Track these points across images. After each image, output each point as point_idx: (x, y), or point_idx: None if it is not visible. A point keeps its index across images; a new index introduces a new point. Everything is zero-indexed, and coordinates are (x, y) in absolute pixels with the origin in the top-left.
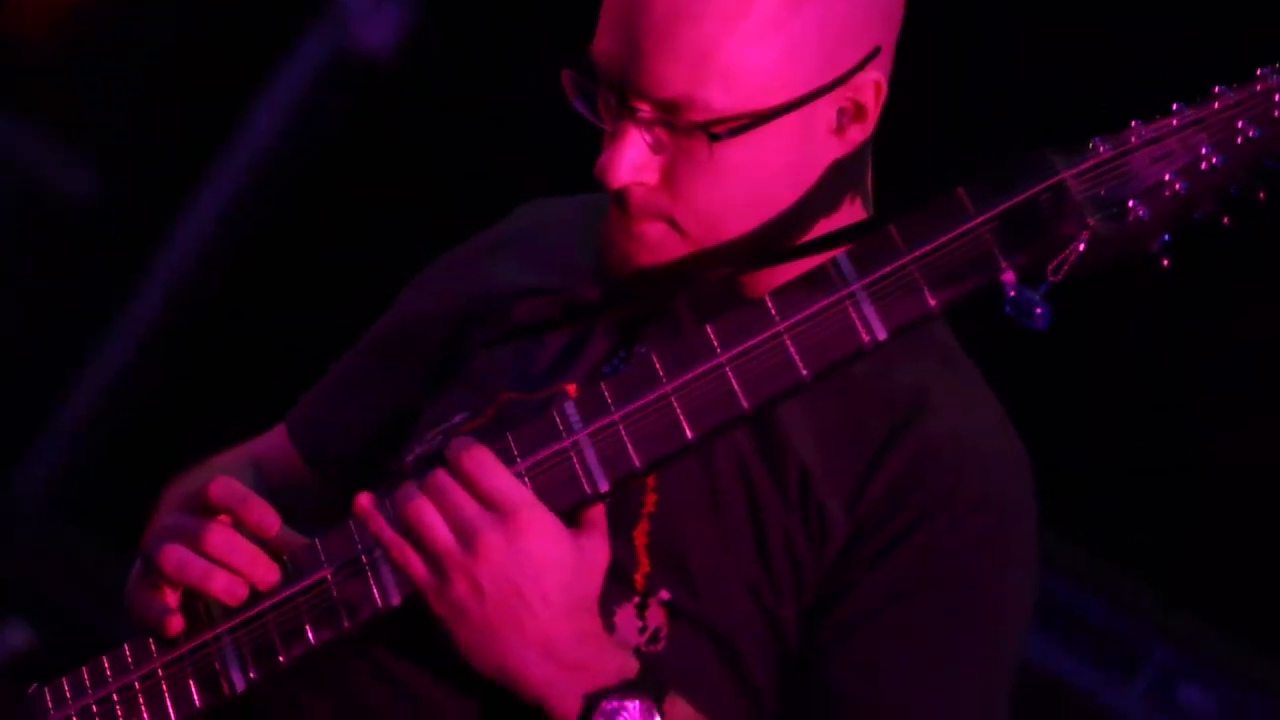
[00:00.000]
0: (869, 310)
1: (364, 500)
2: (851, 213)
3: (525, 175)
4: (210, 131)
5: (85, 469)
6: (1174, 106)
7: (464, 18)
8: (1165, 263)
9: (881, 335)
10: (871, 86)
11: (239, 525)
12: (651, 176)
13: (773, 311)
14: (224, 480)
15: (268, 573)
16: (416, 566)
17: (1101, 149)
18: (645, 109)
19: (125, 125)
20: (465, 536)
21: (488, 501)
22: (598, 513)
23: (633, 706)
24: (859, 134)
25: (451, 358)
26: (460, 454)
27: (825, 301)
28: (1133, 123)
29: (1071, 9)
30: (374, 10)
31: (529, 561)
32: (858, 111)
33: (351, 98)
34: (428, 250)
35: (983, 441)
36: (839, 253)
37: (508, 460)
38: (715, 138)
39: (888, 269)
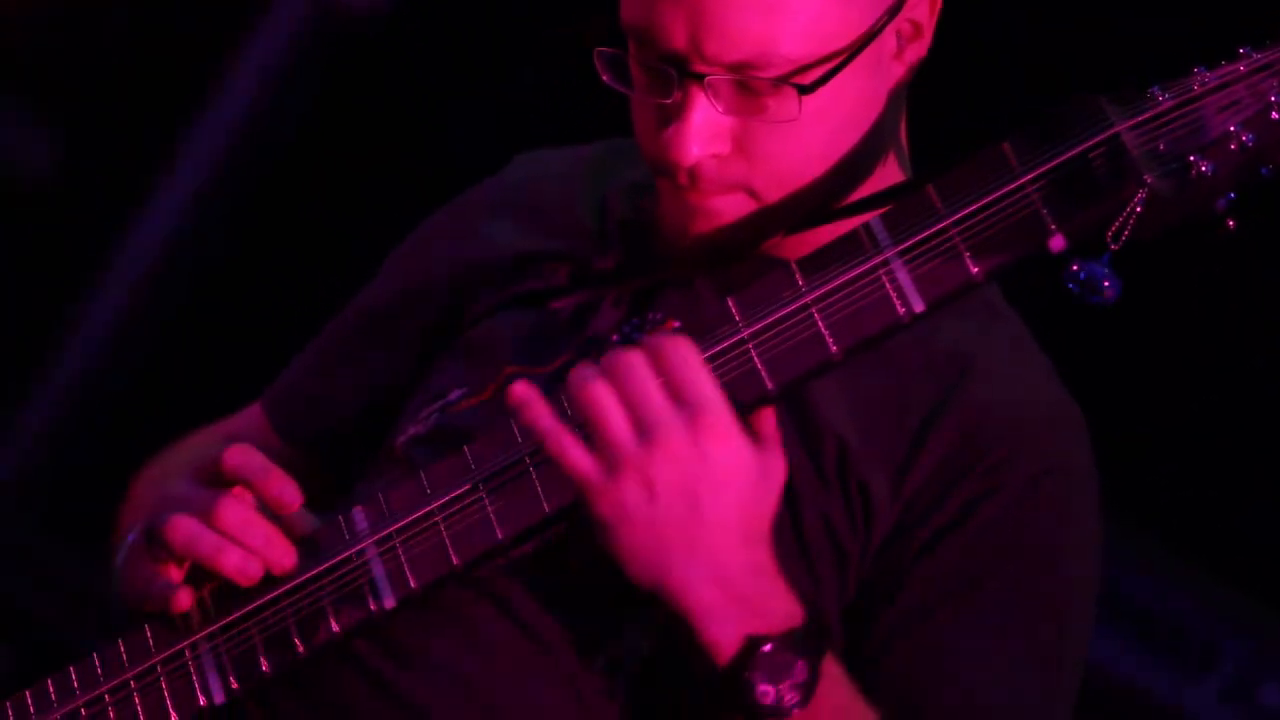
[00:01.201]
0: (904, 279)
1: (520, 388)
2: (890, 171)
3: (526, 144)
4: (183, 100)
5: (52, 471)
6: (1240, 50)
7: None
8: (1231, 224)
9: (919, 307)
10: (926, 2)
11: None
12: (724, 145)
13: (799, 282)
14: (241, 449)
15: (285, 554)
16: (579, 458)
17: (1161, 98)
18: (716, 73)
19: (93, 95)
20: (645, 428)
21: (676, 393)
22: (773, 426)
23: (796, 667)
24: (916, 53)
25: (445, 329)
26: (664, 339)
27: (857, 270)
28: (1195, 68)
29: None
30: None
31: (712, 469)
32: (914, 30)
33: (337, 60)
34: (412, 223)
35: (1035, 406)
36: (873, 217)
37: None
38: (806, 90)
39: (925, 234)
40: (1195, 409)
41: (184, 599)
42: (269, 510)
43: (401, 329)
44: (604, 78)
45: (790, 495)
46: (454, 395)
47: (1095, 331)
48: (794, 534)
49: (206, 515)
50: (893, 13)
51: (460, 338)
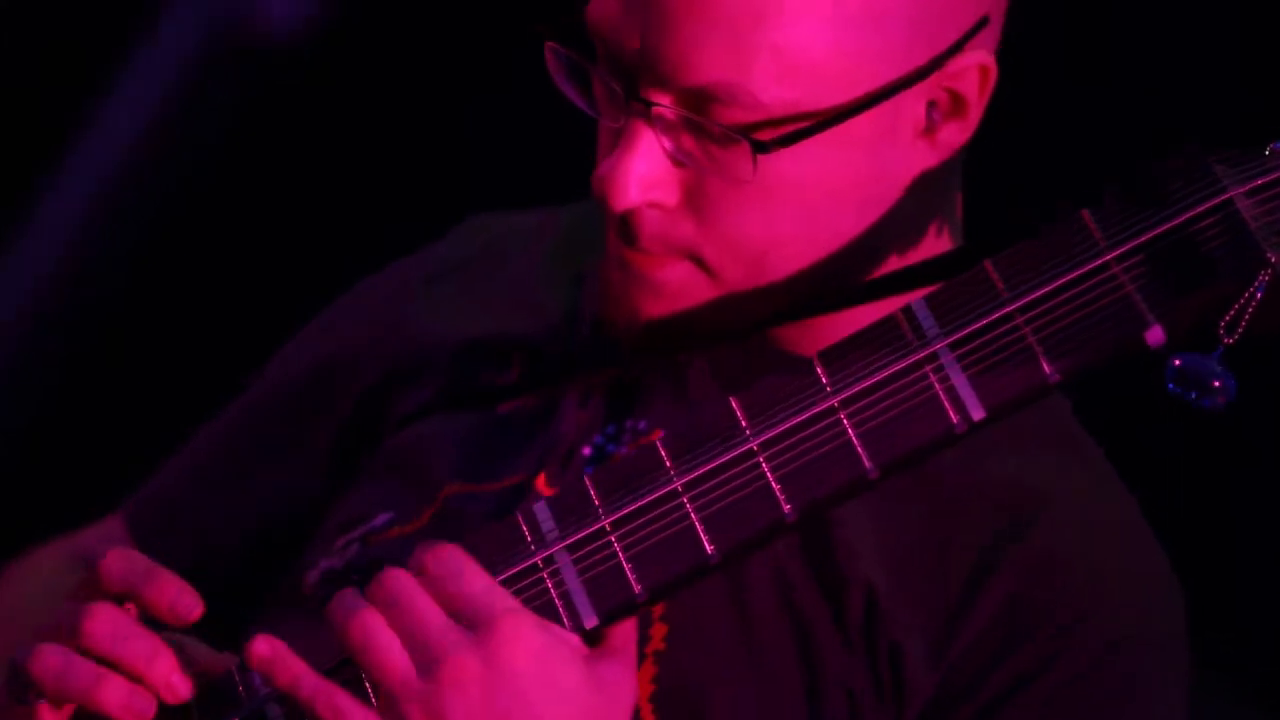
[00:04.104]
0: (959, 380)
1: (260, 646)
2: (936, 246)
3: (473, 184)
4: (48, 135)
5: None
6: None
7: None
8: None
9: (977, 415)
10: (975, 72)
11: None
12: (670, 196)
13: (823, 380)
14: (121, 553)
15: (174, 676)
16: (354, 716)
17: None
18: (665, 102)
19: None
20: (426, 660)
21: (455, 611)
22: (624, 635)
23: None
24: (956, 136)
25: (366, 434)
26: (423, 554)
27: (896, 366)
28: None
29: None
30: None
31: (518, 689)
32: (955, 105)
33: (243, 86)
34: (339, 284)
35: (1115, 559)
36: (914, 299)
37: None
38: (762, 148)
39: (983, 322)
40: None
41: None
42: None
43: (304, 431)
44: (558, 82)
45: (806, 658)
46: (379, 520)
47: (1193, 458)
48: (809, 710)
49: (73, 636)
50: (919, 75)
51: (383, 446)
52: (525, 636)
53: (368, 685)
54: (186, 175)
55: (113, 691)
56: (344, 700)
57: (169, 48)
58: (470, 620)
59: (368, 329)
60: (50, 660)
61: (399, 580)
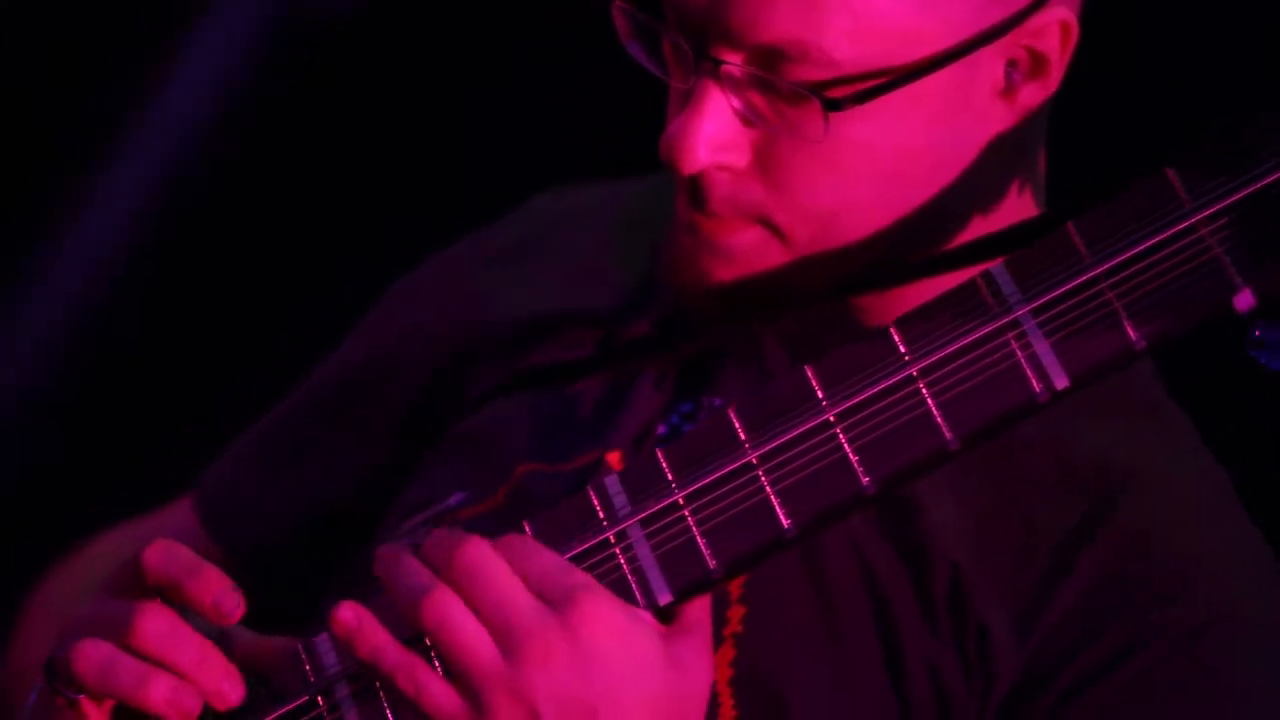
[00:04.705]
0: (1041, 347)
1: (346, 613)
2: (1018, 209)
3: (539, 162)
4: (108, 114)
5: None
6: None
7: None
8: None
9: (1061, 383)
10: (1057, 28)
11: (185, 611)
12: (741, 158)
13: (901, 348)
14: (164, 545)
15: (227, 680)
16: (438, 694)
17: None
18: (735, 61)
19: None
20: (509, 640)
21: (534, 588)
22: (700, 612)
23: None
24: (1036, 96)
25: (437, 415)
26: (490, 544)
27: (977, 334)
28: None
29: None
30: None
31: (604, 669)
32: (1035, 64)
33: (302, 63)
34: (403, 262)
35: (1206, 534)
36: (994, 264)
37: None
38: (834, 105)
39: (1066, 286)
40: None
41: None
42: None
43: (375, 412)
44: (625, 43)
45: (888, 637)
46: (453, 500)
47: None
48: (893, 691)
49: (121, 633)
50: (997, 33)
51: (456, 427)
52: (606, 614)
53: (437, 662)
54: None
55: (158, 689)
56: (425, 674)
57: (233, 23)
58: (547, 596)
59: (436, 310)
60: (95, 655)
61: (477, 552)
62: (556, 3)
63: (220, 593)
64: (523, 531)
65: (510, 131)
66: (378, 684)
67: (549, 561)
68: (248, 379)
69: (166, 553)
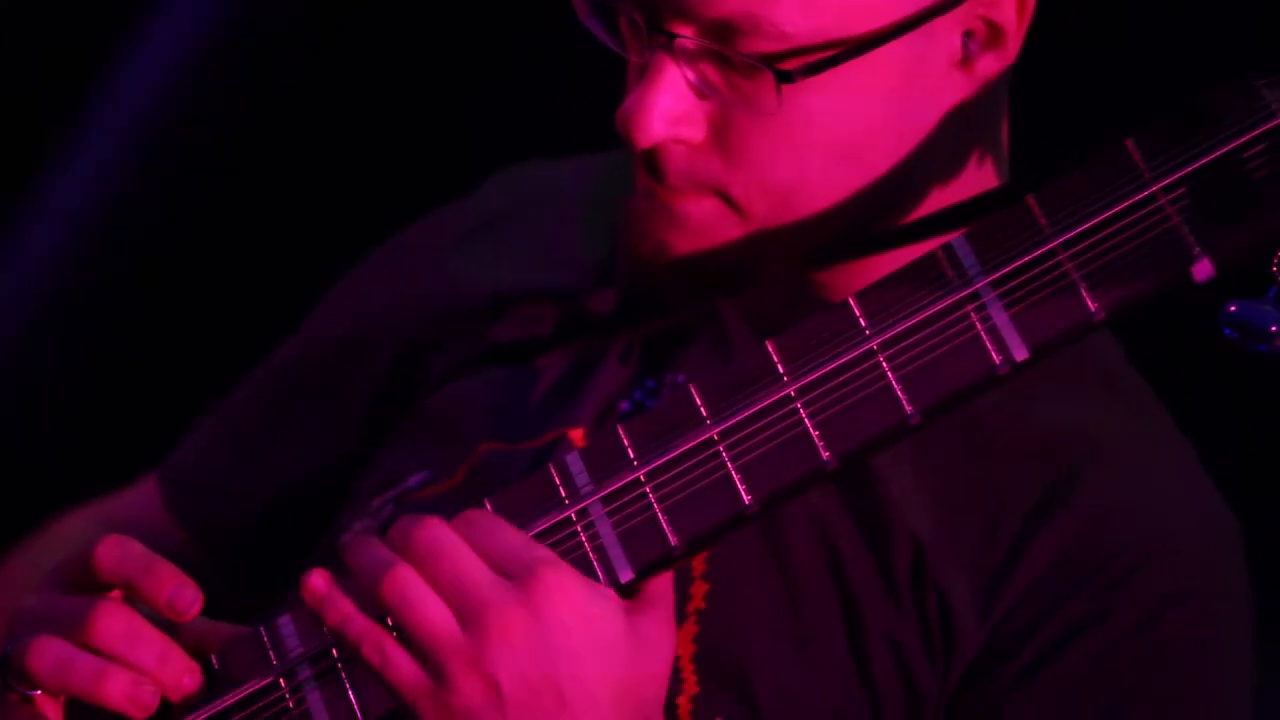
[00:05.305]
0: (1001, 319)
1: (317, 581)
2: (978, 180)
3: (505, 137)
4: (53, 120)
5: None
6: None
7: None
8: None
9: (1020, 355)
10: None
11: (139, 605)
12: (696, 131)
13: (861, 321)
14: (116, 540)
15: (186, 674)
16: (401, 666)
17: None
18: (688, 34)
19: None
20: (468, 613)
21: (495, 563)
22: (662, 586)
23: None
24: (993, 66)
25: (400, 393)
26: (453, 520)
27: (936, 306)
28: None
29: None
30: None
31: (564, 641)
32: (992, 34)
33: (302, 63)
34: (367, 243)
35: (1171, 506)
36: (954, 237)
37: None
38: (786, 77)
39: (1025, 258)
40: None
41: None
42: (160, 620)
43: (339, 392)
44: (583, 19)
45: (851, 615)
46: (414, 480)
47: (1256, 404)
48: (854, 665)
49: (78, 630)
50: (952, 3)
51: (418, 404)
52: (567, 588)
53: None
54: (191, 159)
55: (116, 685)
56: (391, 645)
57: (173, 32)
58: (509, 571)
59: (401, 287)
60: (49, 652)
61: (435, 530)
62: (556, 3)
63: (175, 590)
64: (484, 508)
65: (510, 131)
66: (340, 666)
67: (510, 537)
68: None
69: (119, 548)
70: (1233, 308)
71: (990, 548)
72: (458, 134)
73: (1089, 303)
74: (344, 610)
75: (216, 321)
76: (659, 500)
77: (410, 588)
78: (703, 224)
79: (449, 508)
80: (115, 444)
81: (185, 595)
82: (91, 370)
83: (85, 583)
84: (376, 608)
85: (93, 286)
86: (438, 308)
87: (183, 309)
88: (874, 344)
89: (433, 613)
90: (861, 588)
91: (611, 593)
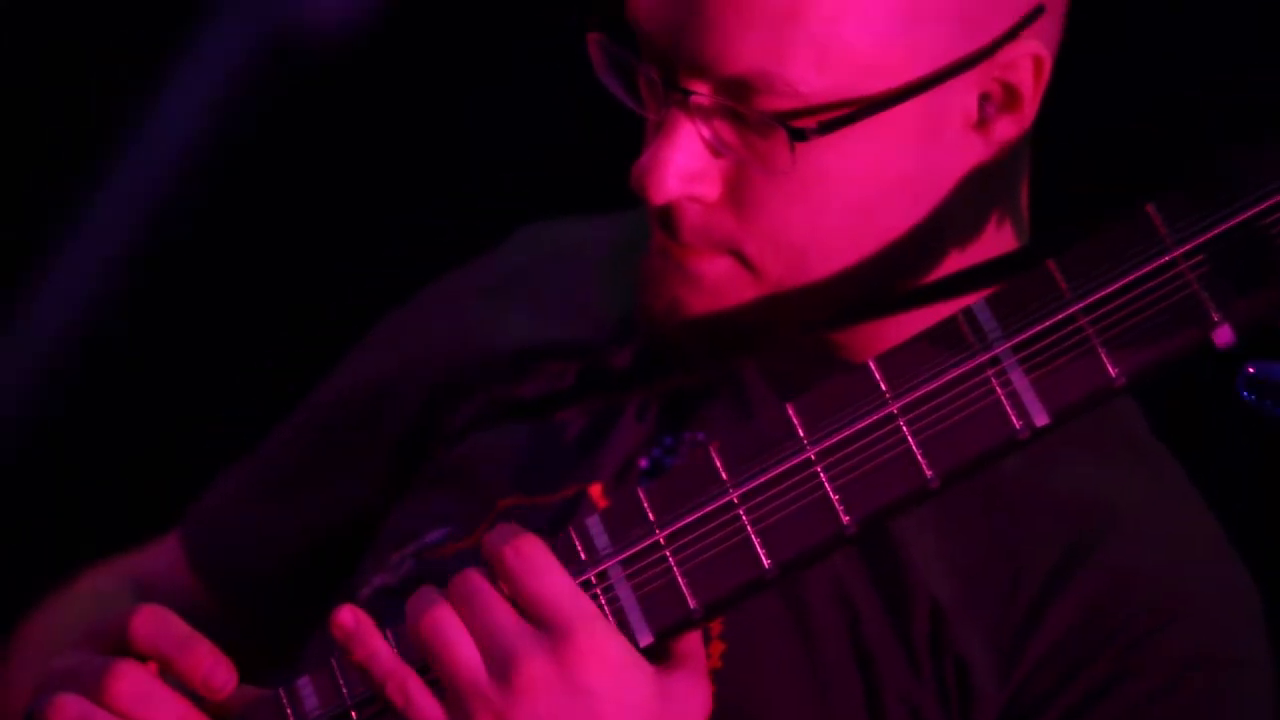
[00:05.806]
0: (1021, 383)
1: (346, 616)
2: (997, 243)
3: (526, 192)
4: (96, 140)
5: None
6: None
7: None
8: None
9: (1040, 420)
10: (1029, 62)
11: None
12: (711, 189)
13: (882, 385)
14: (153, 613)
15: None
16: (424, 707)
17: None
18: (703, 91)
19: None
20: (498, 661)
21: (532, 613)
22: (692, 644)
23: None
24: (1010, 129)
25: (423, 447)
26: (503, 546)
27: (957, 371)
28: None
29: None
30: None
31: (590, 703)
32: (1009, 98)
33: (290, 89)
34: (404, 262)
35: (1192, 570)
36: (975, 299)
37: None
38: (800, 135)
39: (1046, 323)
40: None
41: None
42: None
43: (362, 446)
44: (601, 75)
45: (868, 677)
46: (433, 536)
47: (1274, 467)
48: None
49: (98, 690)
50: (966, 65)
51: (439, 458)
52: (601, 648)
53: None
54: (227, 177)
55: None
56: (416, 686)
57: (221, 49)
58: (547, 623)
59: (425, 342)
60: (69, 711)
61: (473, 578)
62: (556, 3)
63: (210, 669)
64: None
65: (510, 131)
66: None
67: (558, 583)
68: (250, 390)
69: (156, 622)
70: (1251, 369)
71: (1010, 610)
72: (458, 134)
73: (1110, 368)
74: (371, 647)
75: (216, 321)
76: (679, 564)
77: (446, 628)
78: (717, 283)
79: (470, 563)
80: (138, 490)
81: (219, 674)
82: (117, 406)
83: (119, 650)
84: (417, 646)
85: (113, 321)
86: (459, 361)
87: (183, 310)
88: (894, 408)
89: (464, 655)
90: (880, 650)
91: (646, 664)
